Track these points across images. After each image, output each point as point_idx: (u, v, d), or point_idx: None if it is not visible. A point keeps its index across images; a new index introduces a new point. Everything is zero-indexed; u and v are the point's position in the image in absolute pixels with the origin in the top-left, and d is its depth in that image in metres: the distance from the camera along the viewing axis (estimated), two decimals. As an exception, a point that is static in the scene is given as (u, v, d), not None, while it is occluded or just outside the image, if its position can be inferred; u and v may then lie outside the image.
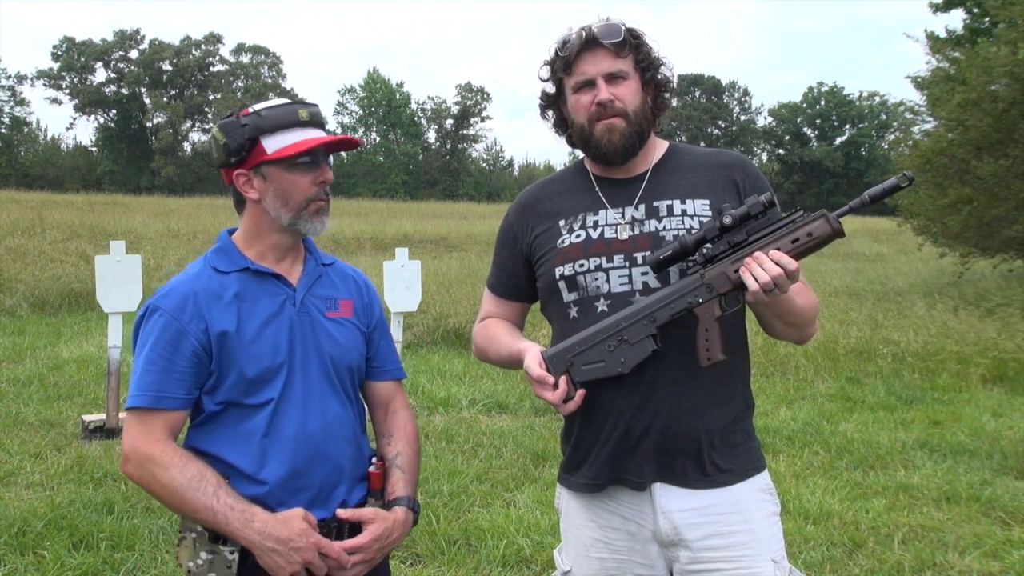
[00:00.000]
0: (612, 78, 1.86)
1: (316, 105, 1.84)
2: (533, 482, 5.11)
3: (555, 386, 1.78)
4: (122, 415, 6.02)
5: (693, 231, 1.85)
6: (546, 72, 1.96)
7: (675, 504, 1.85)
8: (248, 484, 1.74)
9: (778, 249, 1.71)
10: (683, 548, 1.85)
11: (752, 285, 1.69)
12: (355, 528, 1.82)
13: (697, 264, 1.79)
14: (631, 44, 1.88)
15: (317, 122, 1.82)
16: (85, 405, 6.77)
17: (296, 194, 1.79)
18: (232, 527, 1.67)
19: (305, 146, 1.77)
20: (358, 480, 1.89)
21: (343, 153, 1.90)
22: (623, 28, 1.87)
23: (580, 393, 1.79)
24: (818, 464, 5.55)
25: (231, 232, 1.90)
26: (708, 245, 1.77)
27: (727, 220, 1.72)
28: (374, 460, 1.92)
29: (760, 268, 1.68)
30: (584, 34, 1.86)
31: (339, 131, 56.68)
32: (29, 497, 4.63)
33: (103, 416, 5.99)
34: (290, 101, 1.82)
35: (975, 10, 17.19)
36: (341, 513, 1.80)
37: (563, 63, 1.89)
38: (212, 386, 1.76)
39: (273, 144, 1.77)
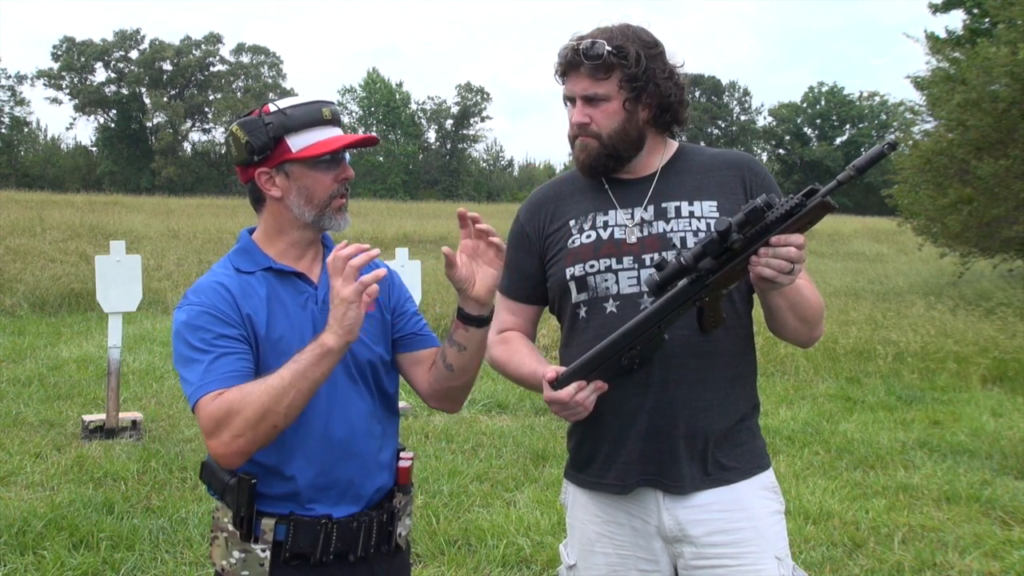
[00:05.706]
0: (589, 100, 1.88)
1: (334, 103, 1.84)
2: (533, 482, 5.11)
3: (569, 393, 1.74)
4: (121, 415, 6.02)
5: (700, 233, 1.85)
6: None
7: (679, 501, 1.86)
8: (279, 482, 1.76)
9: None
10: (687, 544, 1.86)
11: (770, 274, 1.64)
12: (388, 523, 1.85)
13: (701, 273, 1.73)
14: (613, 65, 1.83)
15: (337, 120, 1.83)
16: (85, 405, 6.77)
17: (320, 191, 1.79)
18: (316, 353, 1.63)
19: (333, 146, 1.77)
20: (384, 471, 1.90)
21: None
22: (605, 50, 1.82)
23: (595, 384, 1.74)
24: (818, 464, 5.55)
25: (251, 231, 1.90)
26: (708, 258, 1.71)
27: (722, 227, 1.66)
28: (402, 454, 1.93)
29: (772, 258, 1.64)
30: (568, 54, 1.87)
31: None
32: (29, 497, 4.62)
33: (103, 416, 5.98)
34: (312, 100, 1.82)
35: (975, 10, 17.20)
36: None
37: (559, 75, 1.93)
38: None
39: (298, 142, 1.76)
